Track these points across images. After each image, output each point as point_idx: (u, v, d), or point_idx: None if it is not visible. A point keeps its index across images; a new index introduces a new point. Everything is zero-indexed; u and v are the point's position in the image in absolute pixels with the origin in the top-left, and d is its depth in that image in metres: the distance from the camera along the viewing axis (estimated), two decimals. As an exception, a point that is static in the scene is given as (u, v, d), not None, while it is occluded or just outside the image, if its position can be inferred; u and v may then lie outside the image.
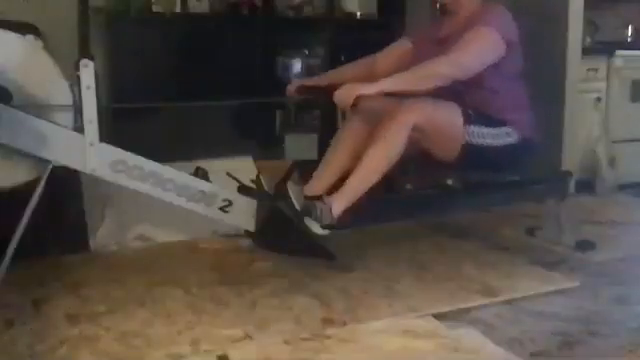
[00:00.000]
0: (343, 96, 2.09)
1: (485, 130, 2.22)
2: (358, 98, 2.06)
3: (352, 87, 2.09)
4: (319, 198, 2.12)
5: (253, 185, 2.28)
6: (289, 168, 2.22)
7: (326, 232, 2.07)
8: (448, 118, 2.19)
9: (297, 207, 2.08)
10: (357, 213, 2.14)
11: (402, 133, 2.11)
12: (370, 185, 2.12)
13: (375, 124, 2.18)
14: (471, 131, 2.20)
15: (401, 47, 2.48)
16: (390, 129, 2.11)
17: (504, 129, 2.26)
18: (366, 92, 2.06)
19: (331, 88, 2.16)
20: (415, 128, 2.11)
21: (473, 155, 2.20)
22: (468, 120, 2.20)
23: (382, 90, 2.07)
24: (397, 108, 2.13)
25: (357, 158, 2.17)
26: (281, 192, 2.12)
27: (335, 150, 2.30)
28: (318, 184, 2.22)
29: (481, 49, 2.19)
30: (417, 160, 2.27)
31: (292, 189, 2.12)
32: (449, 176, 2.35)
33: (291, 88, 2.47)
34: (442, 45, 2.24)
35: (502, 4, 2.30)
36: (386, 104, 2.20)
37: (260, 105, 3.61)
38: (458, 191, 2.43)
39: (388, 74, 2.17)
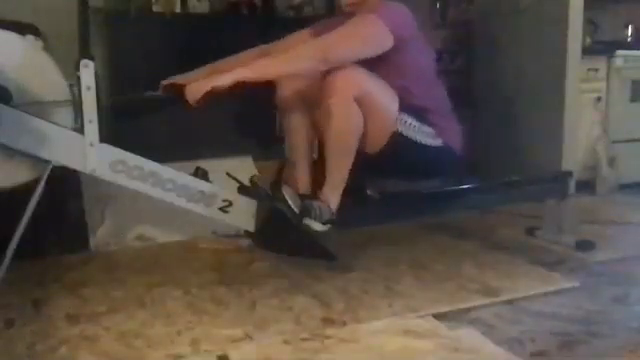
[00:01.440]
0: (192, 92, 1.97)
1: (416, 124, 2.13)
2: (209, 93, 1.94)
3: (202, 82, 1.96)
4: (314, 197, 2.11)
5: (250, 185, 2.29)
6: (279, 168, 2.22)
7: (327, 227, 2.05)
8: (385, 98, 2.08)
9: (295, 210, 2.08)
10: (357, 212, 2.14)
11: (350, 105, 1.99)
12: (350, 163, 2.05)
13: (309, 96, 2.08)
14: (404, 120, 2.10)
15: (299, 38, 2.30)
16: (335, 106, 1.98)
17: (430, 129, 2.18)
18: (219, 84, 1.92)
19: (178, 87, 2.05)
20: (355, 100, 1.99)
21: (399, 148, 2.09)
22: (403, 108, 2.10)
23: (238, 79, 1.92)
24: (332, 81, 1.98)
25: (314, 135, 2.12)
26: (277, 196, 2.12)
27: (294, 140, 2.24)
28: (304, 179, 2.21)
29: (357, 34, 2.04)
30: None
31: (287, 192, 2.11)
32: (371, 173, 2.21)
33: (162, 84, 2.33)
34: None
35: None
36: (313, 81, 2.09)
37: (260, 105, 3.61)
38: (458, 191, 2.41)
39: None
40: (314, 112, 2.14)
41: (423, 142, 2.16)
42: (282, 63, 2.02)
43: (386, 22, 2.04)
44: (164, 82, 2.32)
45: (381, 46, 2.06)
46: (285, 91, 2.25)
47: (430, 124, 2.18)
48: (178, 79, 2.28)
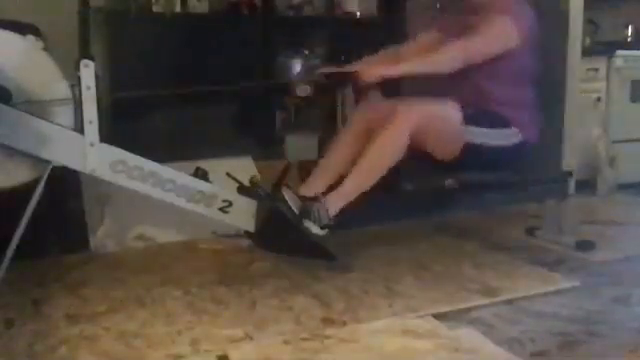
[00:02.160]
0: (368, 74, 2.15)
1: (485, 130, 2.23)
2: (380, 77, 2.13)
3: (376, 68, 2.16)
4: (315, 199, 2.12)
5: (250, 185, 2.29)
6: (283, 170, 2.22)
7: (325, 232, 2.08)
8: (446, 119, 2.20)
9: (295, 211, 2.09)
10: (355, 213, 2.14)
11: (400, 139, 2.13)
12: (366, 187, 2.14)
13: (373, 128, 2.20)
14: (471, 131, 2.20)
15: (428, 37, 2.48)
16: (388, 134, 2.13)
17: (505, 130, 2.26)
18: (391, 74, 2.15)
19: (353, 71, 2.22)
20: (414, 132, 2.13)
21: (473, 155, 2.21)
22: (468, 120, 2.20)
23: (405, 73, 2.17)
24: (395, 113, 2.15)
25: (354, 162, 2.18)
26: (278, 197, 2.12)
27: (333, 153, 2.32)
28: (314, 185, 2.23)
29: (492, 36, 2.21)
30: (418, 161, 2.27)
31: (287, 194, 2.12)
32: (447, 175, 2.33)
33: (319, 72, 2.55)
34: (467, 34, 2.24)
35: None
36: (386, 108, 2.23)
37: (260, 105, 3.61)
38: (458, 191, 2.42)
39: None
40: (371, 133, 2.23)
41: (495, 144, 2.24)
42: (435, 63, 2.21)
43: (518, 26, 2.22)
44: (321, 71, 2.55)
45: (507, 46, 2.23)
46: (362, 113, 2.38)
47: (508, 124, 2.27)
48: (334, 68, 2.51)
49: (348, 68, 2.40)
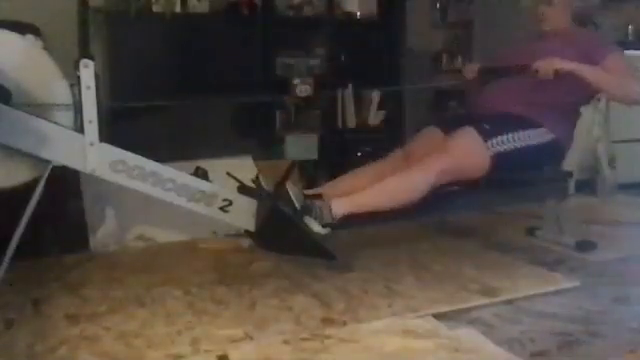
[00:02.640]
0: (547, 65, 2.24)
1: (505, 137, 2.28)
2: (558, 70, 2.23)
3: (552, 59, 2.25)
4: (319, 197, 2.13)
5: (253, 185, 2.29)
6: (288, 168, 2.22)
7: (326, 231, 2.08)
8: (470, 150, 2.26)
9: (297, 206, 2.09)
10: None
11: (425, 181, 2.18)
12: (376, 208, 2.19)
13: (410, 163, 2.29)
14: (494, 142, 2.26)
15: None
16: (417, 171, 2.20)
17: (534, 131, 2.33)
18: (565, 68, 2.24)
19: (514, 65, 2.36)
20: (441, 176, 2.20)
21: (504, 163, 2.26)
22: (487, 136, 2.26)
23: (575, 70, 2.25)
24: (430, 155, 2.22)
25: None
26: (280, 192, 2.13)
27: (363, 173, 2.40)
28: (328, 189, 2.26)
29: (628, 73, 2.37)
30: (456, 188, 2.37)
31: (291, 188, 2.12)
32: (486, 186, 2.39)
33: (470, 70, 2.57)
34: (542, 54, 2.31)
35: None
36: (429, 145, 2.33)
37: (260, 105, 3.62)
38: (458, 191, 2.43)
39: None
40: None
41: (525, 145, 2.30)
42: (616, 86, 2.35)
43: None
44: (472, 66, 2.59)
45: None
46: (415, 143, 2.46)
47: (540, 125, 2.35)
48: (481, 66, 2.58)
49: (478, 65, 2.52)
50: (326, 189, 2.30)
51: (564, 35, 2.48)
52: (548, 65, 2.25)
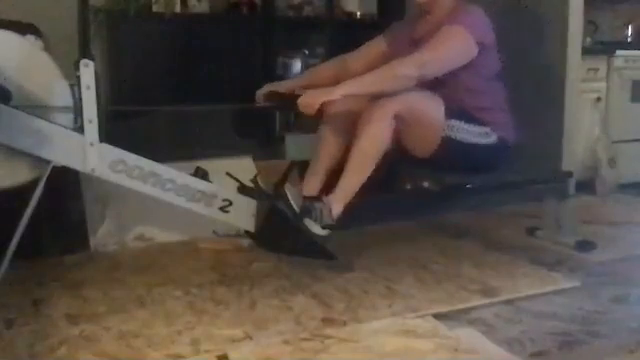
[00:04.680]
0: (307, 104, 2.06)
1: (465, 126, 2.18)
2: (323, 105, 2.04)
3: (314, 94, 2.06)
4: (318, 199, 2.12)
5: (252, 185, 2.29)
6: (287, 168, 2.22)
7: (326, 232, 2.08)
8: (429, 108, 2.15)
9: (296, 209, 2.09)
10: (357, 213, 2.14)
11: (385, 123, 2.09)
12: (363, 179, 2.12)
13: (354, 120, 2.15)
14: (452, 125, 2.16)
15: (376, 46, 2.43)
16: (372, 121, 2.09)
17: (483, 128, 2.23)
18: (329, 98, 2.04)
19: (295, 97, 2.12)
20: (396, 117, 2.08)
21: (451, 151, 2.16)
22: (449, 114, 2.16)
23: (346, 93, 2.04)
24: (376, 102, 2.10)
25: (345, 151, 2.16)
26: (279, 193, 2.12)
27: (322, 148, 2.28)
28: (313, 184, 2.22)
29: (449, 48, 2.14)
30: (394, 157, 2.22)
31: (290, 191, 2.12)
32: (426, 174, 2.25)
33: (260, 93, 2.42)
34: (416, 45, 2.19)
35: (478, 5, 2.24)
36: (364, 99, 2.16)
37: (260, 105, 3.61)
38: (458, 191, 2.42)
39: (361, 74, 2.13)
40: (355, 119, 2.19)
41: (473, 142, 2.21)
42: (384, 81, 2.10)
43: (473, 34, 2.15)
44: (261, 92, 2.42)
45: (468, 57, 2.17)
46: (337, 107, 2.28)
47: (484, 123, 2.24)
48: (276, 86, 2.44)
49: (290, 84, 2.34)
50: (309, 186, 2.26)
51: (444, 17, 2.22)
52: (310, 101, 2.05)
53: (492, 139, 2.24)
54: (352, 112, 2.20)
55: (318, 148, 2.29)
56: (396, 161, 2.24)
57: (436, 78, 2.14)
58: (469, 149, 2.19)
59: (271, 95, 2.39)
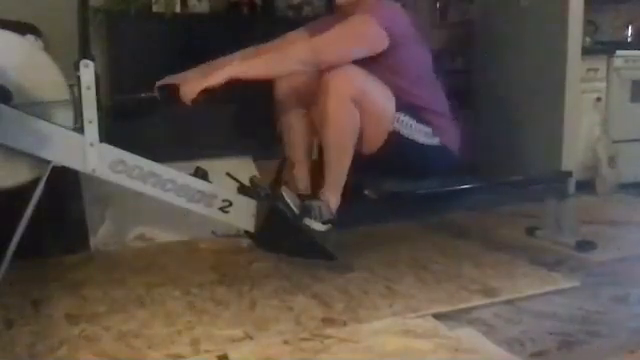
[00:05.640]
0: (186, 92, 1.99)
1: (413, 122, 2.15)
2: (203, 92, 1.97)
3: (196, 82, 1.99)
4: (314, 196, 2.13)
5: (250, 186, 2.29)
6: (279, 166, 2.22)
7: (327, 227, 2.08)
8: (381, 97, 2.10)
9: (294, 209, 2.10)
10: (354, 213, 2.14)
11: (345, 109, 2.01)
12: (348, 163, 2.08)
13: (306, 89, 2.10)
14: (400, 119, 2.12)
15: (296, 36, 2.31)
16: (332, 111, 2.01)
17: (428, 128, 2.20)
18: (211, 83, 1.96)
19: (176, 87, 2.07)
20: (352, 99, 2.01)
21: (396, 148, 2.11)
22: (400, 107, 2.11)
23: (230, 77, 1.95)
24: (328, 80, 1.99)
25: (314, 135, 2.15)
26: (276, 192, 2.12)
27: (292, 142, 2.29)
28: (303, 173, 2.22)
29: (349, 35, 2.05)
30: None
31: (287, 193, 2.12)
32: (368, 174, 2.21)
33: (157, 84, 2.29)
34: None
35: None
36: (309, 78, 2.11)
37: (260, 105, 3.61)
38: (458, 191, 2.41)
39: None
40: (311, 110, 2.16)
41: (420, 141, 2.18)
42: (273, 63, 2.03)
43: (380, 21, 2.04)
44: (159, 83, 2.30)
45: (375, 46, 2.07)
46: (281, 89, 2.27)
47: (427, 123, 2.20)
48: (173, 79, 2.27)
49: (177, 77, 2.20)
50: (299, 173, 2.26)
51: (355, 7, 2.13)
52: (189, 89, 1.98)
53: (436, 141, 2.20)
54: (302, 93, 2.17)
55: (289, 140, 2.29)
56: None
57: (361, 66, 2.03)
58: (415, 148, 2.14)
59: (163, 87, 2.27)
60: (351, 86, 2.01)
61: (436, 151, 2.20)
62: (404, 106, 2.14)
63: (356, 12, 2.10)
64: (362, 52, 2.06)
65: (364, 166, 2.13)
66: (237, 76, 1.96)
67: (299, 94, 2.20)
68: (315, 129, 2.21)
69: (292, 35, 2.34)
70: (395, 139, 2.10)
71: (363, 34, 2.06)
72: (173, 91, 2.15)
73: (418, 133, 2.17)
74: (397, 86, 2.14)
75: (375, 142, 2.12)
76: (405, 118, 2.13)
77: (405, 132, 2.13)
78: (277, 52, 2.04)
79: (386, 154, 2.12)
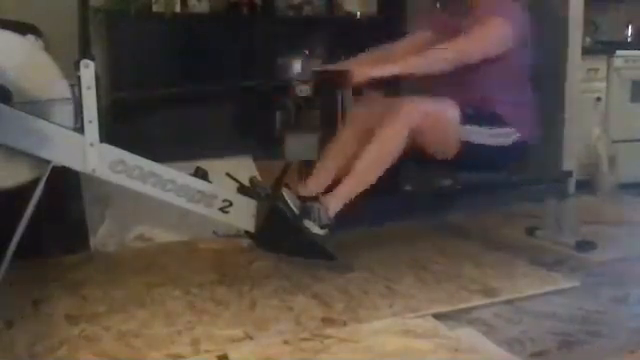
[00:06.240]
0: (359, 74, 2.12)
1: (482, 129, 2.23)
2: (369, 78, 2.10)
3: (367, 68, 2.14)
4: (315, 199, 2.13)
5: (250, 186, 2.29)
6: (283, 169, 2.22)
7: (325, 232, 2.09)
8: (445, 118, 2.20)
9: (295, 211, 2.10)
10: (355, 213, 2.15)
11: (399, 136, 2.13)
12: (366, 186, 2.15)
13: (373, 126, 2.19)
14: (468, 130, 2.21)
15: (421, 36, 2.48)
16: (387, 132, 2.13)
17: (503, 129, 2.27)
18: (380, 74, 2.11)
19: (343, 70, 2.20)
20: (413, 130, 2.13)
21: (471, 154, 2.21)
22: (465, 119, 2.21)
23: (392, 73, 2.11)
24: (395, 110, 2.15)
25: (354, 159, 2.19)
26: (276, 194, 2.13)
27: (332, 152, 2.33)
28: (314, 184, 2.24)
29: (487, 38, 2.22)
30: (415, 160, 2.28)
31: (287, 194, 2.13)
32: (447, 176, 2.35)
33: (315, 69, 2.59)
34: (457, 34, 2.23)
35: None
36: (384, 105, 2.24)
37: (260, 105, 3.61)
38: (458, 191, 2.43)
39: None
40: (370, 131, 2.22)
41: (491, 144, 2.25)
42: (428, 63, 2.18)
43: (513, 26, 2.22)
44: (315, 68, 2.59)
45: (504, 47, 2.22)
46: (360, 109, 2.40)
47: (506, 123, 2.28)
48: (329, 66, 2.53)
49: (341, 67, 2.37)
50: (311, 188, 2.28)
51: (484, 7, 2.29)
52: (362, 72, 2.11)
53: (512, 139, 2.28)
54: (373, 117, 2.25)
55: (332, 146, 2.35)
56: (417, 164, 2.34)
57: (468, 67, 2.18)
58: (487, 150, 2.24)
59: (321, 72, 2.53)
60: (414, 117, 2.14)
61: (511, 149, 2.29)
62: (472, 116, 2.23)
63: (486, 12, 2.24)
64: (495, 54, 2.21)
65: (443, 165, 2.28)
66: (399, 73, 2.13)
67: (371, 118, 2.29)
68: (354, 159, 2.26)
69: (417, 37, 2.50)
70: (466, 147, 2.21)
71: (499, 37, 2.22)
72: (329, 76, 2.44)
73: (489, 137, 2.25)
74: (489, 88, 2.27)
75: (449, 152, 2.22)
76: (472, 128, 2.22)
77: (475, 140, 2.22)
78: (429, 54, 2.19)
79: (461, 160, 2.23)
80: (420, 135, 2.16)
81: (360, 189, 2.14)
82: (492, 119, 2.26)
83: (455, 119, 2.20)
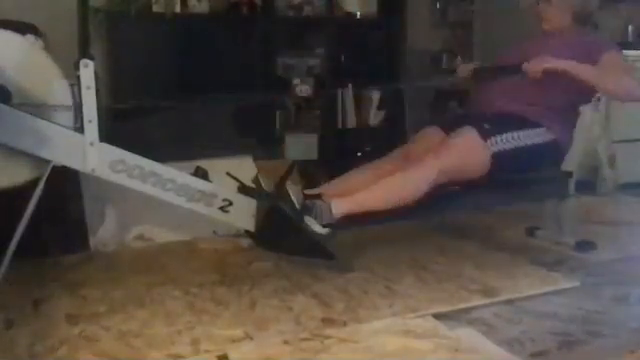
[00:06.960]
0: (534, 65, 2.26)
1: (505, 136, 2.29)
2: (548, 69, 2.23)
3: (542, 59, 2.26)
4: (318, 196, 2.13)
5: (253, 185, 2.29)
6: (288, 168, 2.23)
7: (326, 231, 2.09)
8: (470, 149, 2.26)
9: (297, 206, 2.10)
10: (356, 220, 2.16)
11: (427, 177, 2.19)
12: (374, 208, 2.18)
13: (422, 153, 2.28)
14: (493, 142, 2.27)
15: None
16: (417, 170, 2.20)
17: (535, 130, 2.34)
18: (554, 67, 2.23)
19: (514, 64, 2.34)
20: (440, 172, 2.20)
21: (505, 161, 2.27)
22: (487, 135, 2.27)
23: (566, 68, 2.23)
24: (428, 155, 2.23)
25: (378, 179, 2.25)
26: (280, 191, 2.13)
27: (362, 172, 2.39)
28: (336, 188, 2.26)
29: (621, 70, 2.35)
30: (457, 188, 2.38)
31: (291, 188, 2.13)
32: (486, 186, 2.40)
33: (464, 69, 2.63)
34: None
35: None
36: (429, 143, 2.34)
37: (260, 105, 3.62)
38: (458, 191, 2.43)
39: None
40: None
41: (528, 143, 2.32)
42: (603, 79, 2.29)
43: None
44: (467, 67, 2.64)
45: None
46: (419, 143, 2.45)
47: (540, 125, 2.36)
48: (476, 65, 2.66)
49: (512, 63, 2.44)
50: (325, 189, 2.31)
51: (564, 34, 2.48)
52: (537, 65, 2.26)
53: (548, 138, 2.36)
54: (419, 153, 2.33)
55: (360, 171, 2.41)
56: (460, 190, 2.44)
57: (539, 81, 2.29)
58: (522, 152, 2.30)
59: (479, 69, 2.59)
60: (444, 163, 2.21)
61: (546, 147, 2.36)
62: (492, 129, 2.29)
63: (563, 36, 2.46)
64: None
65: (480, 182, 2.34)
66: (572, 71, 2.24)
67: (409, 159, 2.38)
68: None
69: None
70: (498, 156, 2.27)
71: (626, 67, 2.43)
72: (493, 71, 2.54)
73: (522, 139, 2.31)
74: (542, 103, 2.37)
75: (482, 170, 2.28)
76: (496, 138, 2.27)
77: (507, 146, 2.28)
78: (607, 73, 2.30)
79: (499, 169, 2.29)
80: (452, 174, 2.24)
81: (369, 207, 2.17)
82: (521, 122, 2.33)
83: (478, 143, 2.26)
